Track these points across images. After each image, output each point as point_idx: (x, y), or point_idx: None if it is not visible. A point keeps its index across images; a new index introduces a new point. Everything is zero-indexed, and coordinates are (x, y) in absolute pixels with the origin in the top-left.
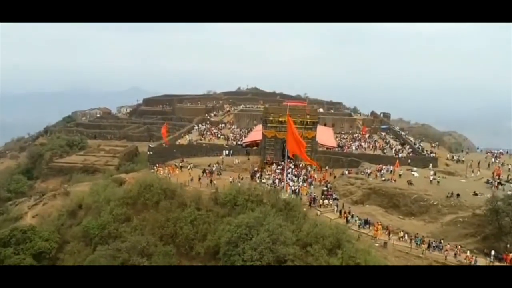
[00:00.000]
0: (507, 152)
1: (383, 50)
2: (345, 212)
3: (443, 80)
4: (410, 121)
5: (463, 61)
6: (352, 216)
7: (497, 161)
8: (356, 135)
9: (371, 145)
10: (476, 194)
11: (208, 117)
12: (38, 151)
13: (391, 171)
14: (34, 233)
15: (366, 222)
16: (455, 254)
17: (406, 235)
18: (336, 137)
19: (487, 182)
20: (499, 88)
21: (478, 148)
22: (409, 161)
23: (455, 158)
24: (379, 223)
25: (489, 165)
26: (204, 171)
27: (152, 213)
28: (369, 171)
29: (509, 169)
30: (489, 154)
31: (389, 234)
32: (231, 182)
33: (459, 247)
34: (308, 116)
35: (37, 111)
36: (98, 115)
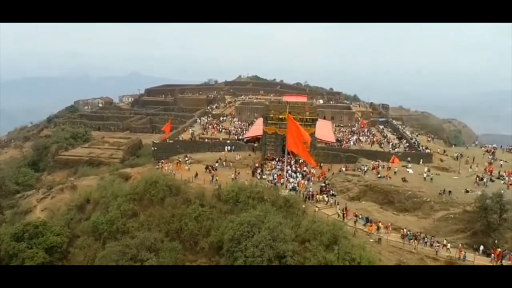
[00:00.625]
0: (501, 146)
1: (385, 35)
2: (346, 210)
3: (444, 65)
4: (410, 109)
5: (465, 47)
6: (356, 216)
7: (490, 156)
8: (355, 128)
9: (369, 139)
10: (467, 191)
11: (210, 109)
12: (44, 144)
13: (388, 167)
14: (45, 228)
15: (368, 220)
16: (435, 248)
17: (408, 232)
18: (335, 130)
19: (482, 179)
20: (500, 74)
21: (474, 143)
22: (408, 158)
23: (454, 154)
24: (380, 222)
25: (491, 162)
26: (207, 168)
27: (158, 209)
28: (365, 168)
29: (501, 165)
30: (483, 148)
31: (378, 229)
32: (233, 179)
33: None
34: (307, 113)
35: (36, 96)
36: (100, 105)
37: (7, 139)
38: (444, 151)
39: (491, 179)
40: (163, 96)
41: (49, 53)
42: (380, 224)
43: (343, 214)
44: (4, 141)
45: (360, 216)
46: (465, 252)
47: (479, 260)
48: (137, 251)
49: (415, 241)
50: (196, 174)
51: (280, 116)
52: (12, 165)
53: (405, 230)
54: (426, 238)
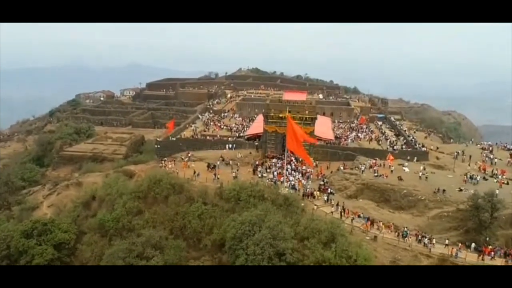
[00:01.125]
0: (496, 143)
1: (385, 24)
2: (347, 210)
3: (444, 55)
4: (410, 101)
5: (464, 37)
6: (359, 216)
7: (484, 154)
8: (354, 124)
9: (367, 136)
10: (460, 190)
11: (211, 105)
12: (48, 139)
13: (388, 165)
14: (54, 225)
15: (369, 220)
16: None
17: (409, 231)
18: (334, 126)
19: (471, 177)
20: (501, 64)
21: (471, 140)
22: (408, 157)
23: (455, 153)
24: (381, 222)
25: (492, 162)
26: (208, 166)
27: (162, 207)
28: (363, 167)
29: (495, 163)
30: (478, 146)
31: (371, 225)
32: (234, 177)
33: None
34: (306, 112)
35: (36, 87)
36: (101, 98)
37: (10, 132)
38: (437, 148)
39: (484, 178)
40: (164, 90)
41: (48, 42)
42: (381, 224)
43: (341, 212)
44: (7, 135)
45: (361, 216)
46: (457, 250)
47: (471, 257)
48: (143, 249)
49: (410, 238)
50: (194, 173)
51: (280, 115)
52: (16, 160)
53: (406, 229)
54: (419, 236)
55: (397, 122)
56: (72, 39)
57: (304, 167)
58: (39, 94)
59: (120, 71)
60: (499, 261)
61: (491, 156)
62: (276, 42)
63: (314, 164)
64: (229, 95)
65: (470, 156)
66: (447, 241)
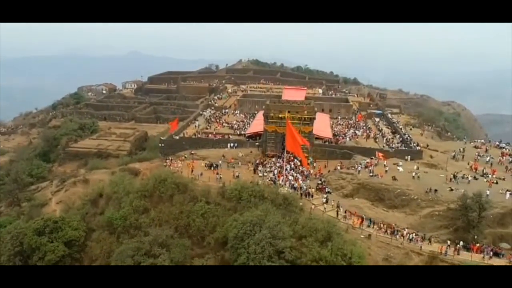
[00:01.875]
0: (489, 141)
1: None
2: (350, 213)
3: (444, 43)
4: (409, 92)
5: (465, 25)
6: (362, 218)
7: (476, 153)
8: (352, 121)
9: (365, 133)
10: (451, 190)
11: (213, 101)
12: (53, 135)
13: (382, 163)
14: (64, 222)
15: (371, 221)
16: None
17: (406, 230)
18: (333, 123)
19: (455, 177)
20: (501, 52)
21: (465, 137)
22: (406, 157)
23: (452, 153)
24: (382, 223)
25: (489, 162)
26: (211, 166)
27: (167, 206)
28: (359, 168)
29: (488, 161)
30: (472, 144)
31: (360, 222)
32: (236, 177)
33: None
34: (305, 112)
35: (34, 75)
36: (104, 92)
37: (14, 125)
38: (427, 146)
39: (475, 177)
40: (166, 84)
41: (47, 31)
42: (382, 224)
43: (337, 212)
44: (10, 128)
45: (363, 217)
46: (447, 247)
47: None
48: (150, 247)
49: (402, 237)
50: (192, 171)
51: (280, 115)
52: (21, 154)
53: (405, 230)
54: (411, 235)
55: (394, 119)
56: (72, 27)
57: (302, 168)
58: (39, 83)
59: (120, 60)
60: (479, 257)
61: (487, 159)
62: (276, 30)
63: (313, 162)
64: (229, 90)
65: (463, 156)
66: (448, 242)
